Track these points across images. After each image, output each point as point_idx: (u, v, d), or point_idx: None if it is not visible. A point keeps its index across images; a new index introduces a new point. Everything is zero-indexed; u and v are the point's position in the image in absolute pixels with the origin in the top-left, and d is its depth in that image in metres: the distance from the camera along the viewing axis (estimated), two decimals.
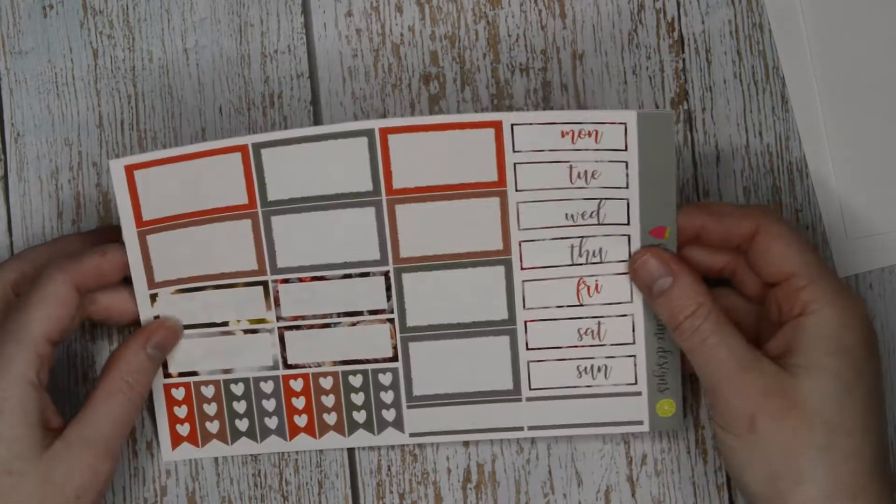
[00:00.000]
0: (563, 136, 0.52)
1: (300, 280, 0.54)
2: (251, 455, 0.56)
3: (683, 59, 0.57)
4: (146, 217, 0.53)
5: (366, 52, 0.57)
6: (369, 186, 0.53)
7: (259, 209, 0.53)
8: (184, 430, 0.55)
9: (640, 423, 0.54)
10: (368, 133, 0.52)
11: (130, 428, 0.52)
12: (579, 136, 0.52)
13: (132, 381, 0.51)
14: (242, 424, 0.55)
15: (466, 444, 0.56)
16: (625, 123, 0.51)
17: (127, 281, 0.54)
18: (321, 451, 0.56)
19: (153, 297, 0.54)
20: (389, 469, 0.56)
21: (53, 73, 0.58)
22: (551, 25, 0.57)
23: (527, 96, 0.57)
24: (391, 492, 0.56)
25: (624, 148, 0.52)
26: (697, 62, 0.57)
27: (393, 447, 0.56)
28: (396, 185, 0.53)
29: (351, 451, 0.56)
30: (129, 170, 0.52)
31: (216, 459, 0.56)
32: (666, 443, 0.56)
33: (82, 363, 0.57)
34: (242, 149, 0.53)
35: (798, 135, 0.57)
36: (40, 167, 0.57)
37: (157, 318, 0.54)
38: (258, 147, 0.52)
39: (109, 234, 0.55)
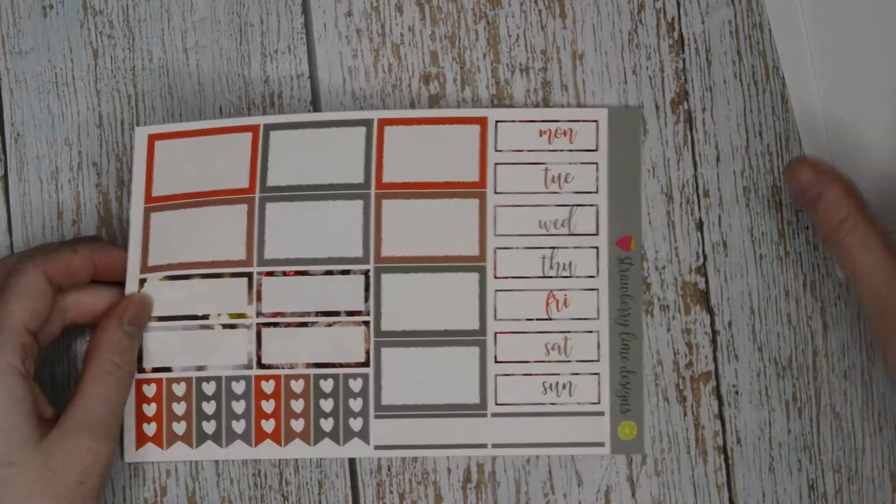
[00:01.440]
0: (540, 135, 0.55)
1: (284, 274, 0.55)
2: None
3: (683, 59, 0.57)
4: (156, 192, 0.55)
5: (366, 52, 0.58)
6: (361, 178, 0.55)
7: (257, 194, 0.54)
8: (150, 429, 0.55)
9: (602, 444, 0.55)
10: (368, 123, 0.55)
11: (124, 408, 0.52)
12: (555, 135, 0.55)
13: (118, 361, 0.51)
14: (210, 427, 0.55)
15: None
16: (597, 121, 0.55)
17: (96, 281, 0.54)
18: None
19: (142, 283, 0.55)
20: (389, 469, 0.56)
21: (53, 73, 0.58)
22: (551, 25, 0.57)
23: (527, 96, 0.57)
24: (391, 492, 0.56)
25: (595, 148, 0.55)
26: (697, 62, 0.57)
27: None
28: (386, 178, 0.55)
29: None
30: (152, 139, 0.55)
31: (216, 459, 0.56)
32: (666, 443, 0.56)
33: (82, 363, 0.57)
34: (255, 129, 0.55)
35: (798, 135, 0.57)
36: (40, 167, 0.57)
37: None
38: (269, 128, 0.54)
39: (88, 242, 0.55)
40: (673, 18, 0.57)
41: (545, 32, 0.57)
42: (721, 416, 0.56)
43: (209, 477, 0.56)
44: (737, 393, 0.56)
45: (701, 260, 0.57)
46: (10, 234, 0.57)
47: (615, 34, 0.57)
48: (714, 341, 0.56)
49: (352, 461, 0.56)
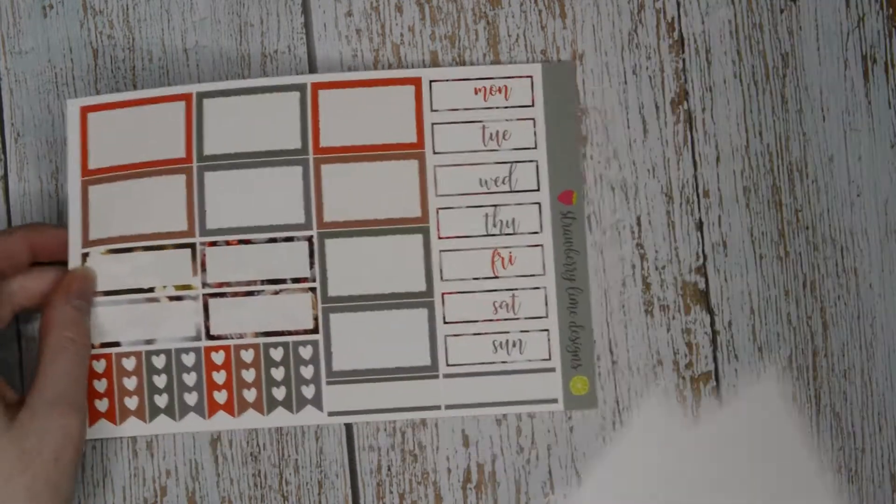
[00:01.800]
0: (476, 92, 0.55)
1: (227, 243, 0.55)
2: (251, 454, 0.56)
3: (683, 59, 0.57)
4: (92, 165, 0.55)
5: (366, 52, 0.58)
6: (298, 144, 0.55)
7: (194, 164, 0.55)
8: (102, 405, 0.55)
9: (555, 401, 0.55)
10: (301, 88, 0.55)
11: (86, 379, 0.53)
12: (490, 92, 0.55)
13: (72, 336, 0.52)
14: (162, 400, 0.55)
15: (466, 444, 0.56)
16: (531, 76, 0.55)
17: (41, 264, 0.54)
18: (321, 450, 0.56)
19: (84, 257, 0.55)
20: (389, 469, 0.56)
21: (53, 73, 0.57)
22: (551, 25, 0.57)
23: None
24: (391, 492, 0.56)
25: (531, 103, 0.55)
26: (697, 62, 0.57)
27: (392, 447, 0.56)
28: (323, 143, 0.55)
29: (351, 451, 0.56)
30: (84, 111, 0.55)
31: (216, 459, 0.56)
32: None
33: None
34: (187, 97, 0.55)
35: (799, 136, 0.57)
36: (40, 167, 0.57)
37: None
38: (202, 96, 0.55)
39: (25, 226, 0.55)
40: (673, 18, 0.57)
41: (545, 32, 0.57)
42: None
43: (209, 477, 0.56)
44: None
45: (701, 260, 0.57)
46: None
47: (615, 34, 0.57)
48: (714, 341, 0.56)
49: (352, 461, 0.56)
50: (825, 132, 0.57)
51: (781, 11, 0.57)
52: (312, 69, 0.57)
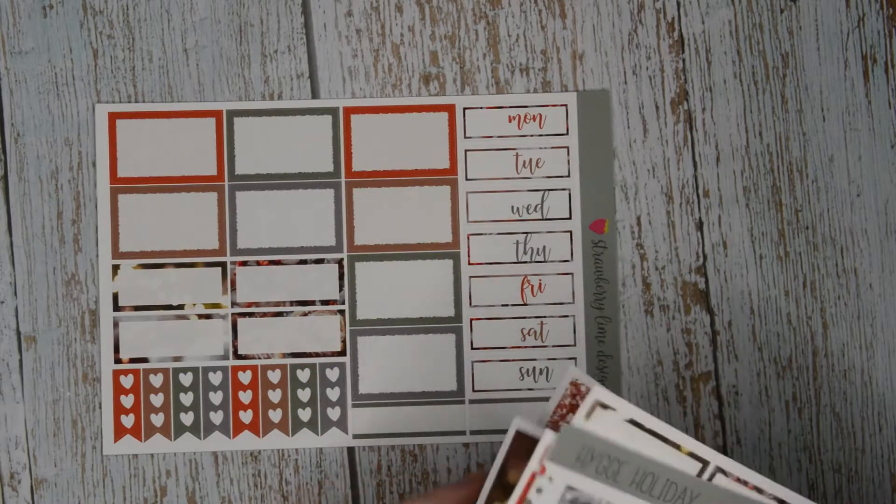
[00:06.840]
0: (510, 120, 0.56)
1: (258, 263, 0.55)
2: (251, 454, 0.56)
3: (683, 59, 0.57)
4: (121, 173, 0.56)
5: (366, 52, 0.58)
6: (330, 167, 0.55)
7: (226, 182, 0.55)
8: (128, 421, 0.55)
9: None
10: (333, 111, 0.56)
11: None
12: (525, 120, 0.56)
13: None
14: (187, 419, 0.55)
15: (466, 444, 0.56)
16: (566, 105, 0.56)
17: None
18: (321, 450, 0.56)
19: (115, 269, 0.55)
20: (389, 469, 0.56)
21: (53, 73, 0.57)
22: (551, 25, 0.57)
23: None
24: (391, 492, 0.56)
25: (565, 132, 0.56)
26: (697, 62, 0.57)
27: (393, 447, 0.56)
28: (356, 167, 0.55)
29: (351, 451, 0.56)
30: (113, 118, 0.56)
31: (216, 459, 0.56)
32: None
33: (83, 363, 0.57)
34: (217, 114, 0.55)
35: (799, 136, 0.57)
36: (40, 167, 0.57)
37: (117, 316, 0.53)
38: (232, 114, 0.55)
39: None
40: (673, 18, 0.57)
41: (545, 32, 0.57)
42: (721, 416, 0.56)
43: (209, 477, 0.56)
44: (737, 393, 0.56)
45: (701, 260, 0.57)
46: (10, 234, 0.57)
47: (615, 34, 0.57)
48: (714, 341, 0.56)
49: (352, 461, 0.56)
50: (825, 132, 0.57)
51: (781, 11, 0.57)
52: (312, 69, 0.57)
